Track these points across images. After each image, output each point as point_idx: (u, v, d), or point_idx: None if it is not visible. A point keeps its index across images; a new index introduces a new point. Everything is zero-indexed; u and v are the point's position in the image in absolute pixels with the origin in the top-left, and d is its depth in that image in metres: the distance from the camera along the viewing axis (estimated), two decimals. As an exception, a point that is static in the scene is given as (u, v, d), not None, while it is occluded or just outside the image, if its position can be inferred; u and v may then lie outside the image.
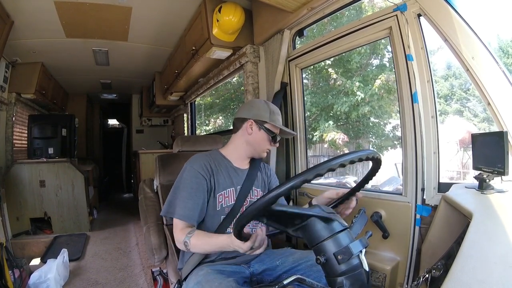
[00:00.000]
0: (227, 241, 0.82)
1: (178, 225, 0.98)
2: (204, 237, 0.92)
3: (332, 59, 4.21)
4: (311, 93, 5.24)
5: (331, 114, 5.02)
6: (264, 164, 1.24)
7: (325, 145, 5.19)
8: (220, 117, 6.61)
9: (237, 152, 1.13)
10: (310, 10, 1.53)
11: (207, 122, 6.68)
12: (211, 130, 6.48)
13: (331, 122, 4.94)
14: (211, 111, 6.61)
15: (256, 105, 1.12)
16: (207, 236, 0.92)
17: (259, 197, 1.11)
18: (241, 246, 0.75)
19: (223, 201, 1.04)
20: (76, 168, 3.03)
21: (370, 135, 5.29)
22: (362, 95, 4.49)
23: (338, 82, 4.76)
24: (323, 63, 4.60)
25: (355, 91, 4.54)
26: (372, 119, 5.07)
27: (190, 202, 0.98)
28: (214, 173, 1.05)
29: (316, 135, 5.09)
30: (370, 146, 5.21)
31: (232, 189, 1.07)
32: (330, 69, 4.77)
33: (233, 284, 0.83)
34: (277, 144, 1.15)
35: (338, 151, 4.93)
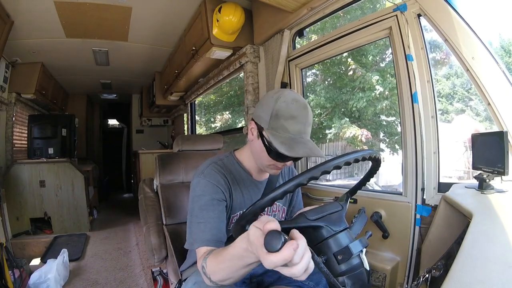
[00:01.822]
0: (245, 246, 0.51)
1: (198, 253, 0.75)
2: (218, 254, 0.64)
3: (349, 52, 3.94)
4: (325, 88, 4.86)
5: (343, 110, 4.69)
6: (291, 169, 1.02)
7: (343, 143, 4.79)
8: (228, 113, 6.43)
9: (250, 159, 0.89)
10: (310, 10, 1.53)
11: (212, 119, 6.55)
12: (217, 128, 6.37)
13: (347, 119, 4.53)
14: (215, 109, 6.46)
15: (265, 100, 0.80)
16: (221, 252, 0.63)
17: (276, 212, 0.95)
18: (270, 258, 0.42)
19: None
20: (76, 168, 3.03)
21: (383, 134, 4.92)
22: (381, 89, 4.12)
23: (357, 73, 4.39)
24: (339, 57, 4.23)
25: (374, 84, 4.14)
26: (385, 116, 4.69)
27: (209, 225, 0.76)
28: (232, 189, 0.84)
29: (330, 133, 4.73)
30: (385, 145, 4.85)
31: None
32: (349, 59, 4.37)
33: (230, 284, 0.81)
34: (286, 163, 0.81)
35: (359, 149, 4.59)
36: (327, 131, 4.79)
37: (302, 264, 0.43)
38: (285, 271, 0.44)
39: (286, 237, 0.44)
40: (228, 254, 0.58)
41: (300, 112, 0.75)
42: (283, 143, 0.73)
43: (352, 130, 4.39)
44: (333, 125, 4.64)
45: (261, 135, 0.79)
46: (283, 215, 0.99)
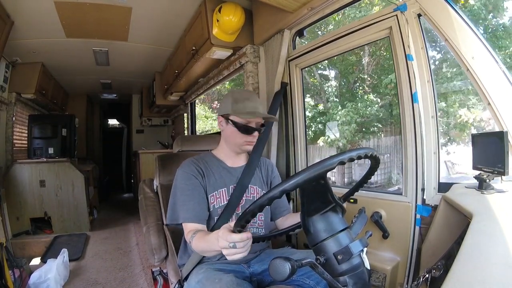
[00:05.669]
0: (214, 237, 0.72)
1: (186, 227, 0.97)
2: (202, 238, 0.86)
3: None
4: (389, 67, 3.87)
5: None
6: (266, 160, 1.22)
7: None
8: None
9: (224, 151, 1.13)
10: (310, 10, 1.53)
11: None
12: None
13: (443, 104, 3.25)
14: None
15: (224, 99, 1.09)
16: (203, 236, 0.86)
17: (255, 194, 1.10)
18: (226, 238, 0.62)
19: (215, 202, 1.04)
20: (76, 168, 3.03)
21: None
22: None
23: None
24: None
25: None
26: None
27: (191, 203, 0.98)
28: (205, 174, 1.04)
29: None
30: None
31: (224, 190, 1.05)
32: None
33: (233, 279, 0.83)
34: (254, 135, 1.03)
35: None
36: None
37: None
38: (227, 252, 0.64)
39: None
40: (206, 239, 0.82)
41: (250, 95, 1.06)
42: (247, 114, 1.00)
43: (468, 113, 2.92)
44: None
45: (229, 121, 1.02)
46: None
